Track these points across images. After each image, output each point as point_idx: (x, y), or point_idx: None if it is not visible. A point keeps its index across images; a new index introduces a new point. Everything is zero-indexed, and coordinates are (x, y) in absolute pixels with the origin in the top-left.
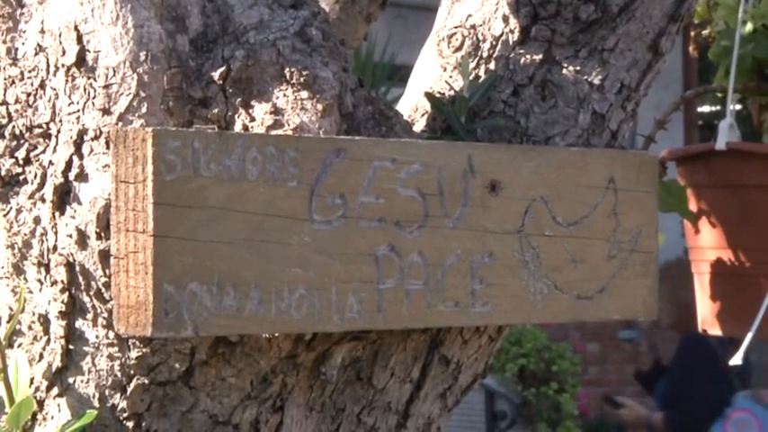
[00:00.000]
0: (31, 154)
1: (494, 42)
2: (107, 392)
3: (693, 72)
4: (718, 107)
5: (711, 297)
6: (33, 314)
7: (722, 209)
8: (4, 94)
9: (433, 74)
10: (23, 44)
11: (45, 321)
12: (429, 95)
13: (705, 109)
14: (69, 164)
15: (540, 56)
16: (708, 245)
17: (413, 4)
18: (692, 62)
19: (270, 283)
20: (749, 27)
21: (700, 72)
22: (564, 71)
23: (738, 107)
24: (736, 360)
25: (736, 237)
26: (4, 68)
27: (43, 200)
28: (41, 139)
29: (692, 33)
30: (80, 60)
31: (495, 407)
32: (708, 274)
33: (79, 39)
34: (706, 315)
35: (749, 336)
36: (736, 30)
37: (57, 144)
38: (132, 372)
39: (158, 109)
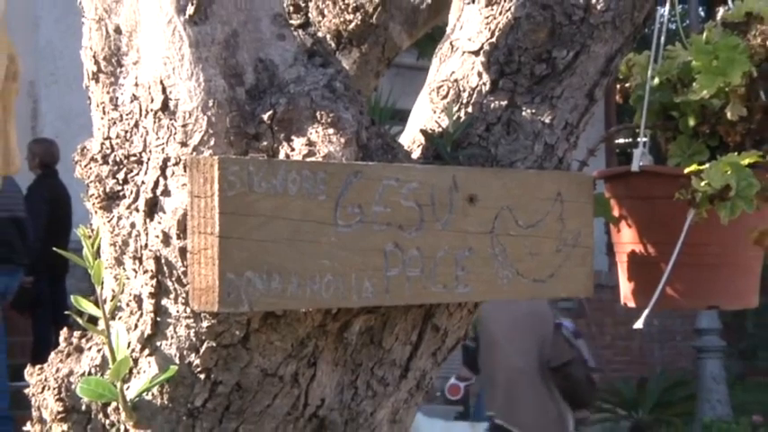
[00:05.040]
0: (128, 176)
1: (471, 92)
2: (185, 353)
3: (612, 114)
4: (631, 139)
5: (628, 279)
6: (130, 295)
7: (636, 214)
8: (108, 132)
9: (425, 116)
10: (122, 94)
11: (139, 300)
12: (423, 131)
13: (621, 141)
14: (156, 183)
15: (506, 102)
16: (626, 240)
17: (409, 66)
18: (612, 107)
19: (305, 272)
20: (657, 80)
21: (618, 114)
22: (523, 113)
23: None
24: (639, 324)
25: (646, 234)
26: (108, 112)
27: (137, 210)
28: (136, 165)
29: (618, 86)
30: (164, 106)
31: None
32: (626, 262)
33: (164, 90)
34: (626, 292)
35: (650, 305)
36: (647, 82)
37: (147, 168)
38: (204, 337)
39: (222, 142)
